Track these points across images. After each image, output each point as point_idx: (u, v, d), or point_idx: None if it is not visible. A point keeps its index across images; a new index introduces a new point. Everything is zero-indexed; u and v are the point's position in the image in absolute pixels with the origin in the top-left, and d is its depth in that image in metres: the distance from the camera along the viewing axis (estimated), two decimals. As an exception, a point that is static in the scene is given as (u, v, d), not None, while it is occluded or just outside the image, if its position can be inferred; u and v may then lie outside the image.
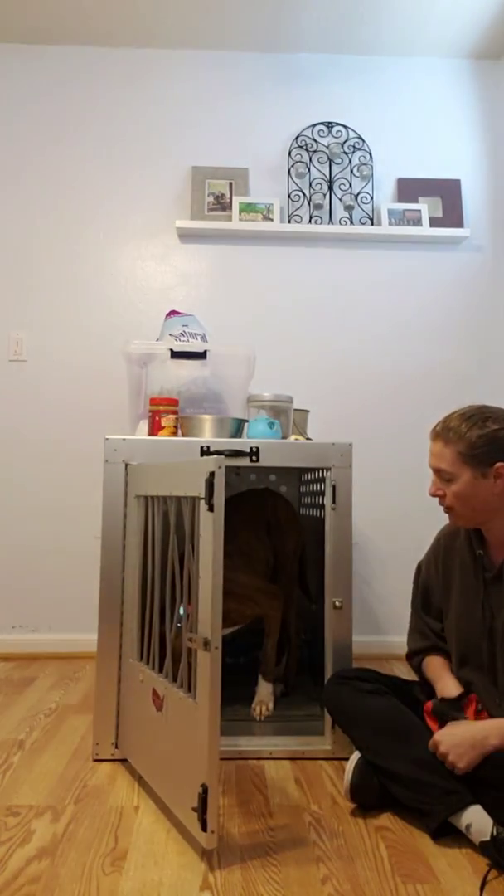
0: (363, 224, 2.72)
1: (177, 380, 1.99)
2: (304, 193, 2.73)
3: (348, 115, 2.79)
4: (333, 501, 1.66)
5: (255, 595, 1.81)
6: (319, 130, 2.77)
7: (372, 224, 2.72)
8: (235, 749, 1.63)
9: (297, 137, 2.75)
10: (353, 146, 2.75)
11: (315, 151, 2.75)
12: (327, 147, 2.74)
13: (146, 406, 1.98)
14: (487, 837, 1.20)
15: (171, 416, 1.80)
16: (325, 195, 2.72)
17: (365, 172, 2.71)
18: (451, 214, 2.72)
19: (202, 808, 1.19)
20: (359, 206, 2.73)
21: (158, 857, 1.22)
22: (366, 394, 2.69)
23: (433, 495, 1.41)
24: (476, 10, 2.53)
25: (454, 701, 1.39)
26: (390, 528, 2.65)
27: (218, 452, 1.66)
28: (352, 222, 2.71)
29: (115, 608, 1.63)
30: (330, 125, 2.77)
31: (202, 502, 1.28)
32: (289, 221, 2.71)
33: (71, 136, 2.73)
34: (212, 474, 1.26)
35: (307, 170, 2.73)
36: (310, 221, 2.71)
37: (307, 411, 2.12)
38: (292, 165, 2.73)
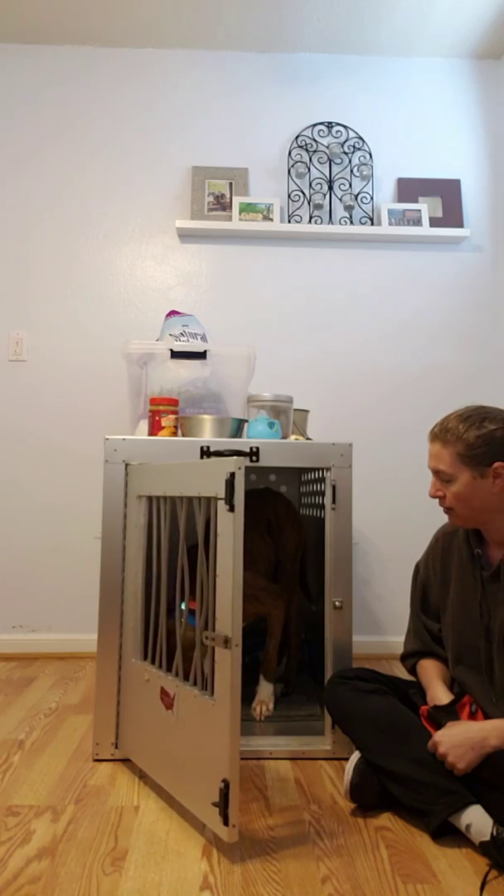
0: (363, 224, 2.72)
1: (177, 380, 1.99)
2: (304, 193, 2.73)
3: (348, 115, 2.79)
4: (333, 501, 1.66)
5: (258, 594, 1.81)
6: (319, 130, 2.77)
7: (372, 224, 2.72)
8: (235, 749, 1.63)
9: (297, 137, 2.75)
10: (353, 146, 2.76)
11: (315, 151, 2.75)
12: (327, 147, 2.74)
13: (146, 406, 1.98)
14: (487, 837, 1.20)
15: (171, 416, 1.80)
16: (325, 195, 2.72)
17: (365, 172, 2.71)
18: (451, 214, 2.72)
19: (224, 803, 1.21)
20: (359, 206, 2.73)
21: (158, 857, 1.22)
22: (366, 394, 2.69)
23: (433, 496, 1.41)
24: (476, 10, 2.53)
25: (447, 706, 1.39)
26: (390, 528, 2.65)
27: (218, 452, 1.66)
28: (352, 222, 2.72)
29: (115, 608, 1.63)
30: (330, 125, 2.77)
31: (221, 503, 1.30)
32: (289, 221, 2.71)
33: (71, 136, 2.73)
34: (232, 475, 1.28)
35: (307, 170, 2.73)
36: (310, 221, 2.71)
37: (307, 411, 2.12)
38: (292, 165, 2.73)
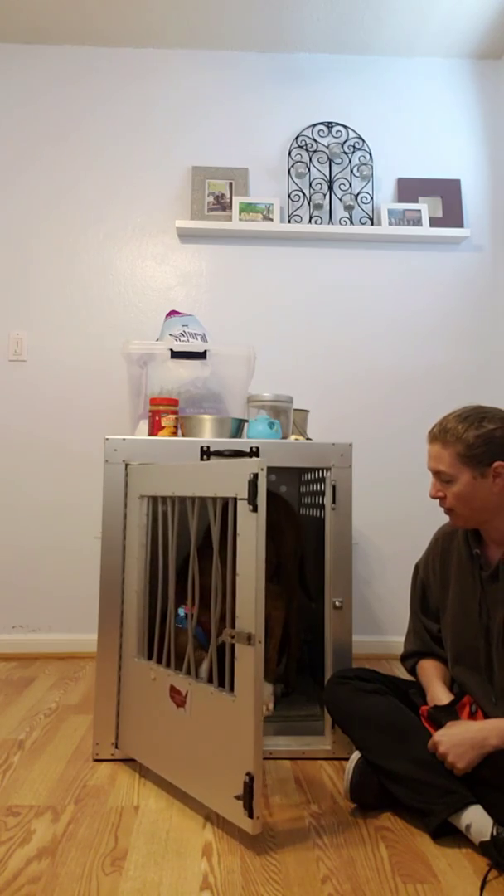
0: (363, 224, 2.72)
1: (177, 380, 1.99)
2: (304, 193, 2.73)
3: (348, 115, 2.79)
4: (333, 501, 1.66)
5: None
6: (319, 130, 2.77)
7: (372, 224, 2.72)
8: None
9: (297, 137, 2.75)
10: (353, 146, 2.76)
11: (315, 151, 2.75)
12: (327, 147, 2.74)
13: (146, 406, 1.98)
14: (487, 837, 1.20)
15: (171, 416, 1.80)
16: (325, 195, 2.72)
17: (365, 172, 2.71)
18: (451, 214, 2.72)
19: (248, 796, 1.24)
20: (359, 206, 2.73)
21: (158, 857, 1.22)
22: (366, 394, 2.69)
23: (434, 497, 1.41)
24: (476, 10, 2.53)
25: (447, 706, 1.39)
26: (390, 528, 2.65)
27: (218, 452, 1.66)
28: (352, 222, 2.71)
29: (115, 608, 1.63)
30: (330, 125, 2.77)
31: (242, 503, 1.32)
32: (289, 221, 2.71)
33: (71, 137, 2.73)
34: (255, 475, 1.30)
35: (307, 170, 2.73)
36: (310, 221, 2.71)
37: (307, 411, 2.12)
38: (292, 165, 2.73)
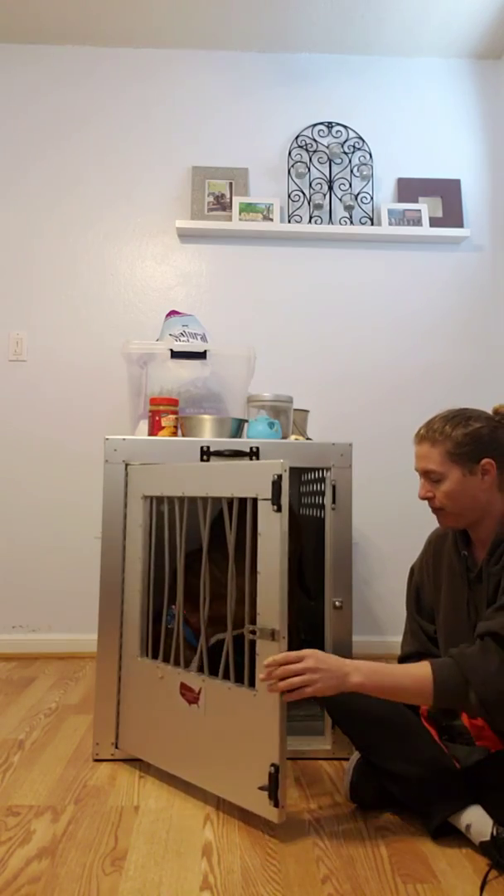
0: (363, 224, 2.72)
1: (177, 380, 1.99)
2: (304, 193, 2.73)
3: (348, 115, 2.79)
4: (333, 501, 1.66)
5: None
6: (319, 130, 2.77)
7: (372, 224, 2.72)
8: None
9: (297, 137, 2.75)
10: (353, 146, 2.76)
11: (315, 151, 2.75)
12: (327, 147, 2.74)
13: (146, 406, 1.98)
14: (487, 837, 1.20)
15: (172, 416, 1.80)
16: (325, 195, 2.72)
17: (365, 172, 2.71)
18: (451, 214, 2.72)
19: (274, 787, 1.27)
20: (359, 206, 2.73)
21: (158, 857, 1.22)
22: (366, 394, 2.69)
23: (423, 498, 1.42)
24: (476, 10, 2.53)
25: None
26: (390, 528, 2.65)
27: (218, 452, 1.66)
28: (352, 222, 2.72)
29: (116, 608, 1.63)
30: (330, 125, 2.77)
31: (264, 503, 1.36)
32: (289, 221, 2.71)
33: (71, 137, 2.73)
34: (279, 476, 1.35)
35: (307, 170, 2.73)
36: (310, 221, 2.71)
37: (307, 411, 2.12)
38: (292, 165, 2.73)
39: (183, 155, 2.75)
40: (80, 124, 2.74)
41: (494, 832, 1.20)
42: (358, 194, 2.73)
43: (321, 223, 2.71)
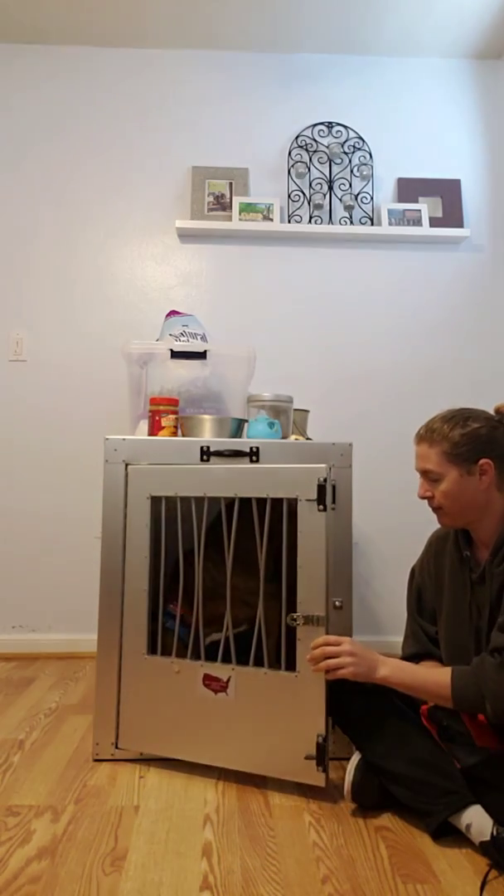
0: (363, 224, 2.72)
1: (177, 380, 1.99)
2: (304, 193, 2.73)
3: (348, 115, 2.79)
4: (333, 501, 1.66)
5: (249, 599, 1.79)
6: (319, 130, 2.77)
7: (372, 224, 2.72)
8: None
9: (297, 137, 2.75)
10: (353, 146, 2.76)
11: (315, 151, 2.75)
12: (327, 147, 2.74)
13: (146, 406, 1.98)
14: (487, 837, 1.20)
15: (172, 416, 1.80)
16: (325, 195, 2.72)
17: (365, 172, 2.71)
18: (451, 214, 2.72)
19: (321, 754, 1.44)
20: (359, 206, 2.73)
21: (158, 857, 1.22)
22: (366, 394, 2.69)
23: (422, 497, 1.44)
24: (476, 10, 2.53)
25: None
26: (390, 528, 2.65)
27: (218, 452, 1.66)
28: (352, 222, 2.72)
29: (116, 608, 1.63)
30: (330, 125, 2.77)
31: (306, 503, 1.52)
32: (289, 221, 2.71)
33: (71, 137, 2.73)
34: (325, 479, 1.50)
35: (307, 170, 2.73)
36: (310, 221, 2.71)
37: (307, 411, 2.12)
38: (292, 165, 2.73)
39: (183, 155, 2.75)
40: (80, 124, 2.74)
41: (494, 832, 1.20)
42: (358, 194, 2.73)
43: (321, 223, 2.71)
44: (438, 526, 1.62)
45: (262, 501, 1.61)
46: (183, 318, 2.17)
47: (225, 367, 2.03)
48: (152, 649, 1.62)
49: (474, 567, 1.43)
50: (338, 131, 2.77)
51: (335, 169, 2.75)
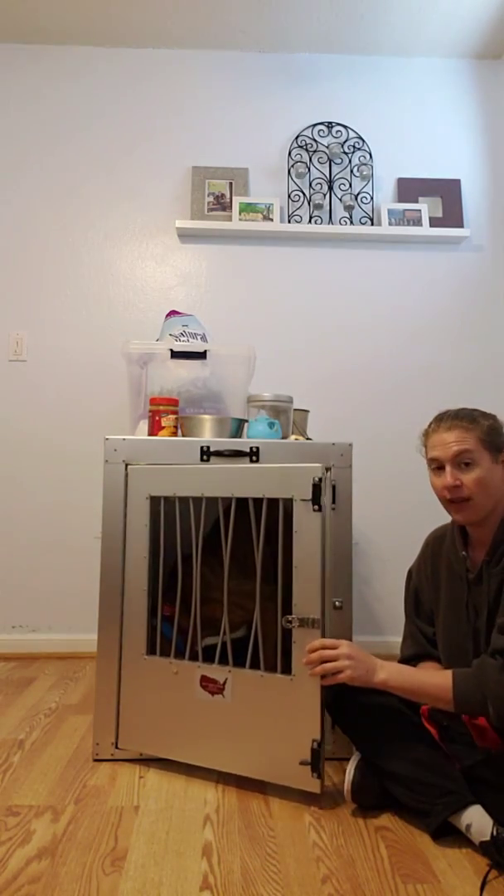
0: (363, 224, 2.72)
1: (177, 380, 1.99)
2: (304, 193, 2.73)
3: (348, 115, 2.79)
4: (333, 501, 1.66)
5: (245, 602, 1.78)
6: (319, 130, 2.77)
7: (372, 224, 2.72)
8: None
9: (297, 137, 2.75)
10: (353, 146, 2.76)
11: (315, 151, 2.75)
12: (327, 147, 2.74)
13: (146, 406, 1.98)
14: (487, 837, 1.20)
15: (172, 416, 1.80)
16: (325, 195, 2.72)
17: (365, 172, 2.71)
18: (451, 214, 2.72)
19: (316, 760, 1.40)
20: (359, 206, 2.73)
21: (158, 857, 1.22)
22: (366, 394, 2.69)
23: (451, 486, 1.36)
24: (476, 10, 2.53)
25: None
26: (390, 528, 2.65)
27: (218, 452, 1.66)
28: (352, 222, 2.71)
29: (116, 608, 1.63)
30: (330, 125, 2.77)
31: (301, 503, 1.49)
32: (289, 221, 2.71)
33: (71, 136, 2.73)
34: (320, 479, 1.47)
35: (307, 170, 2.73)
36: (310, 221, 2.71)
37: (307, 411, 2.12)
38: (292, 165, 2.73)
39: (183, 155, 2.75)
40: (80, 124, 2.74)
41: (494, 832, 1.20)
42: (358, 194, 2.73)
43: (321, 223, 2.71)
44: (436, 526, 1.62)
45: (259, 502, 1.61)
46: (183, 318, 2.17)
47: (225, 367, 2.03)
48: (151, 650, 1.62)
49: (471, 567, 1.43)
50: (338, 131, 2.77)
51: (335, 169, 2.75)
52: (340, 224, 2.71)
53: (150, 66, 2.77)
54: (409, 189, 2.74)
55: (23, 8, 2.55)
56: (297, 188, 2.73)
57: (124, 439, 1.66)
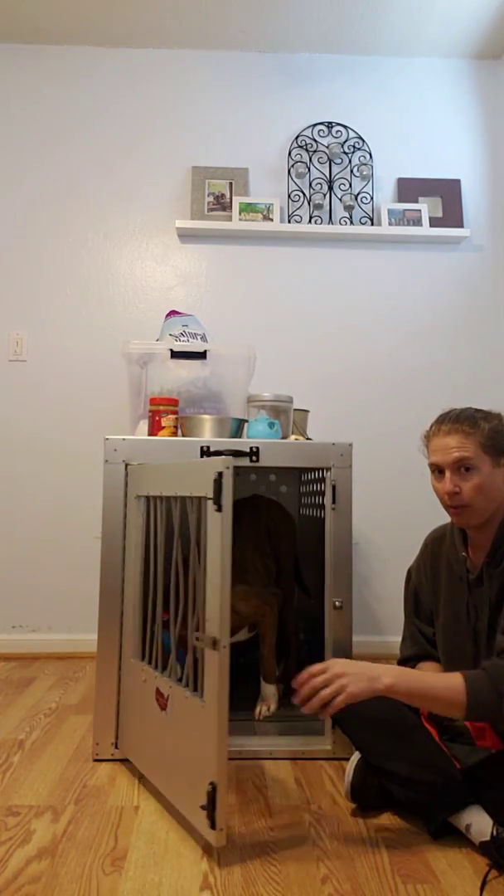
0: (363, 224, 2.72)
1: (177, 380, 1.99)
2: (304, 193, 2.73)
3: (348, 115, 2.79)
4: (333, 501, 1.66)
5: (237, 604, 1.77)
6: (319, 130, 2.77)
7: (372, 224, 2.72)
8: (236, 749, 1.63)
9: (297, 137, 2.75)
10: (353, 146, 2.75)
11: (315, 151, 2.75)
12: (327, 147, 2.74)
13: (146, 406, 1.98)
14: (487, 837, 1.20)
15: (171, 416, 1.80)
16: (325, 195, 2.72)
17: (365, 172, 2.71)
18: (451, 214, 2.72)
19: (211, 806, 1.19)
20: (359, 206, 2.73)
21: (158, 857, 1.22)
22: (366, 394, 2.69)
23: (451, 492, 1.34)
24: (476, 10, 2.53)
25: None
26: (390, 528, 2.65)
27: (218, 452, 1.66)
28: (352, 222, 2.71)
29: (115, 608, 1.63)
30: (330, 125, 2.77)
31: (209, 502, 1.29)
32: (289, 221, 2.71)
33: (71, 136, 2.73)
34: (220, 474, 1.26)
35: (307, 170, 2.73)
36: (310, 221, 2.71)
37: (307, 411, 2.12)
38: (292, 165, 2.73)
39: (183, 155, 2.75)
40: (80, 124, 2.74)
41: (494, 832, 1.20)
42: (358, 194, 2.73)
43: (321, 223, 2.71)
44: (435, 526, 1.62)
45: (183, 501, 1.49)
46: (183, 318, 2.17)
47: (225, 367, 2.03)
48: (140, 653, 1.58)
49: (471, 568, 1.43)
50: (338, 131, 2.77)
51: (335, 169, 2.75)
52: (340, 224, 2.71)
53: (150, 66, 2.77)
54: (408, 189, 2.74)
55: (23, 8, 2.55)
56: (297, 188, 2.73)
57: (124, 439, 1.66)
